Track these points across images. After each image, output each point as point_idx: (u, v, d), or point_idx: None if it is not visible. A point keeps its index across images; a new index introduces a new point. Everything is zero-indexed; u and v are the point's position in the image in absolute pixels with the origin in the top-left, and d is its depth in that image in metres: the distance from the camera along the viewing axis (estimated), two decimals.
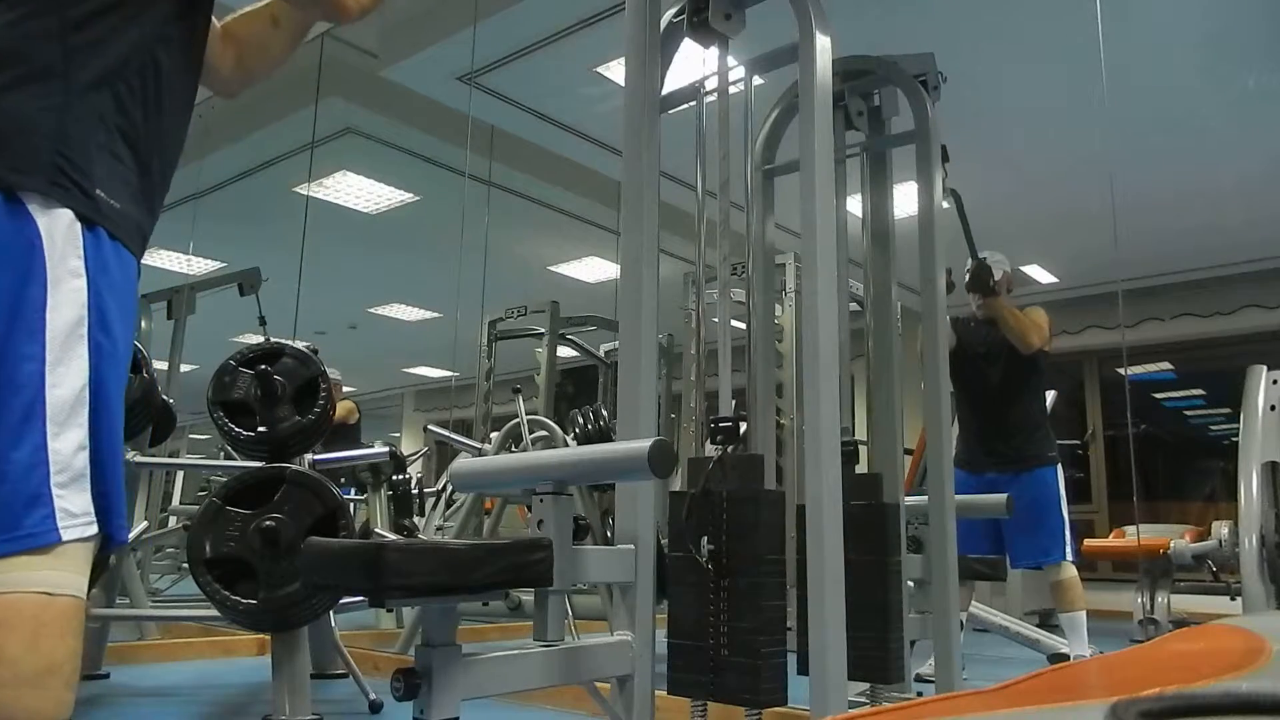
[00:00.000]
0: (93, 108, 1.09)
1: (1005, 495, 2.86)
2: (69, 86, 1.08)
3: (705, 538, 1.70)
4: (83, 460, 1.03)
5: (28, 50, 1.07)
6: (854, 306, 2.56)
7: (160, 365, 5.20)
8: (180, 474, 6.46)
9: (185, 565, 3.97)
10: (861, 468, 2.32)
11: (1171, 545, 4.75)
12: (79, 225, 1.05)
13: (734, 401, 1.86)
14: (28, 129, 1.05)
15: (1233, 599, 4.26)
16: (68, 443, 1.02)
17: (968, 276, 3.42)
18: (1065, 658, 3.47)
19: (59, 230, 1.04)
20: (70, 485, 1.02)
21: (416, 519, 4.27)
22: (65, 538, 1.01)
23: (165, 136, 1.20)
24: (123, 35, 1.12)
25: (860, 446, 2.40)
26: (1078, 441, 6.61)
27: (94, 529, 1.04)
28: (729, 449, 1.74)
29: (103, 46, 1.11)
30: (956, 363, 2.74)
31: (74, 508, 1.02)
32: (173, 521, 5.55)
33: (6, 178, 1.02)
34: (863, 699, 2.22)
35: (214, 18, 1.31)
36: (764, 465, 1.77)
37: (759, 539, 1.66)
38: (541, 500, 1.53)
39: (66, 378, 1.02)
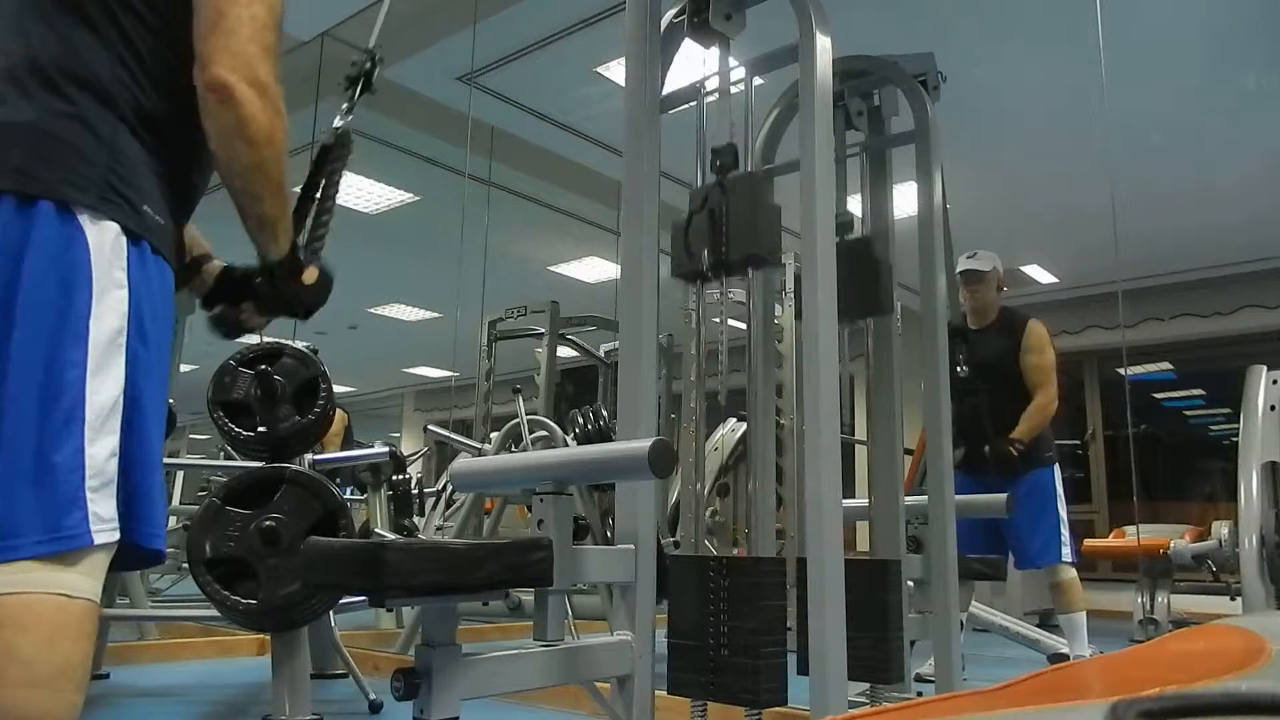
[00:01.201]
0: (140, 136, 1.15)
1: (1005, 495, 2.86)
2: (122, 112, 1.13)
3: (706, 250, 1.79)
4: (113, 467, 1.07)
5: (91, 75, 1.12)
6: None
7: None
8: (180, 474, 6.46)
9: (185, 565, 3.97)
10: (861, 469, 2.32)
11: (1171, 545, 4.75)
12: (124, 239, 1.10)
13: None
14: (83, 145, 1.10)
15: (1233, 599, 4.26)
16: (102, 448, 1.05)
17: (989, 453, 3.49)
18: (1065, 658, 3.47)
19: (106, 242, 1.08)
20: (101, 490, 1.05)
21: (416, 519, 4.27)
22: (96, 541, 1.04)
23: (194, 171, 1.27)
24: (171, 66, 1.17)
25: (859, 446, 2.40)
26: (1078, 441, 6.61)
27: (116, 535, 1.07)
28: (727, 173, 1.81)
29: (152, 74, 1.17)
30: (952, 365, 2.74)
31: (103, 512, 1.05)
32: (173, 521, 5.55)
33: (61, 190, 1.07)
34: (863, 699, 2.22)
35: None
36: (763, 184, 1.84)
37: (761, 242, 1.76)
38: (541, 500, 1.53)
39: (105, 385, 1.06)
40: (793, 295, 4.47)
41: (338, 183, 1.44)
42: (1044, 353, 3.58)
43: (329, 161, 1.43)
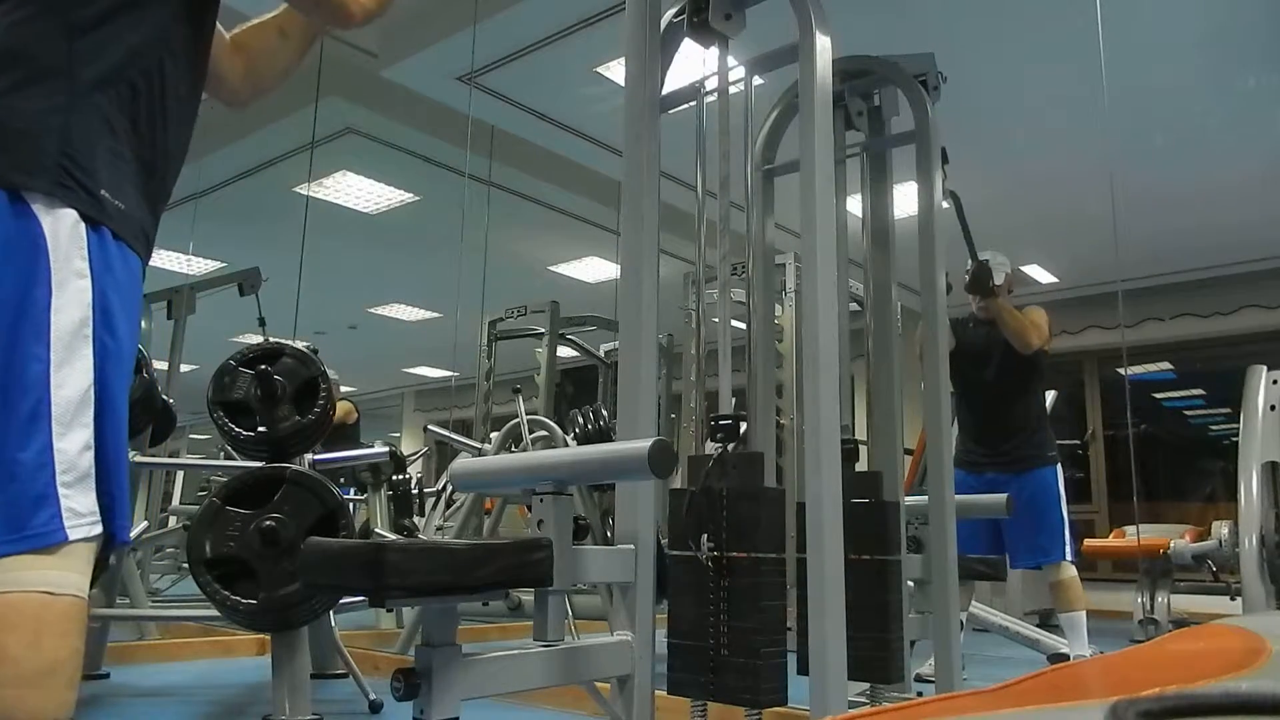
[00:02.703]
0: (96, 109, 1.09)
1: (1005, 495, 2.86)
2: (73, 87, 1.08)
3: (705, 535, 1.70)
4: (88, 460, 1.04)
5: (33, 50, 1.07)
6: (854, 306, 2.56)
7: (160, 365, 5.20)
8: (180, 474, 6.46)
9: (185, 565, 3.97)
10: (862, 467, 2.32)
11: (1171, 545, 4.75)
12: (83, 225, 1.06)
13: (734, 400, 1.86)
14: (32, 129, 1.05)
15: (1233, 599, 4.26)
16: (73, 443, 1.02)
17: (967, 278, 3.43)
18: (1065, 658, 3.47)
19: (63, 230, 1.04)
20: (76, 485, 1.03)
21: (416, 519, 4.27)
22: (72, 537, 1.02)
23: (168, 140, 1.20)
24: (127, 38, 1.12)
25: (860, 446, 2.40)
26: (1078, 441, 6.61)
27: (99, 529, 1.05)
28: (729, 446, 1.73)
29: (107, 49, 1.11)
30: (955, 363, 2.75)
31: (80, 507, 1.03)
32: (173, 521, 5.55)
33: (11, 178, 1.03)
34: (863, 699, 2.22)
35: (223, 29, 1.32)
36: (764, 463, 1.76)
37: (759, 536, 1.66)
38: (541, 500, 1.53)
39: (71, 378, 1.03)
40: (793, 295, 4.48)
41: None
42: (1041, 320, 3.58)
43: None
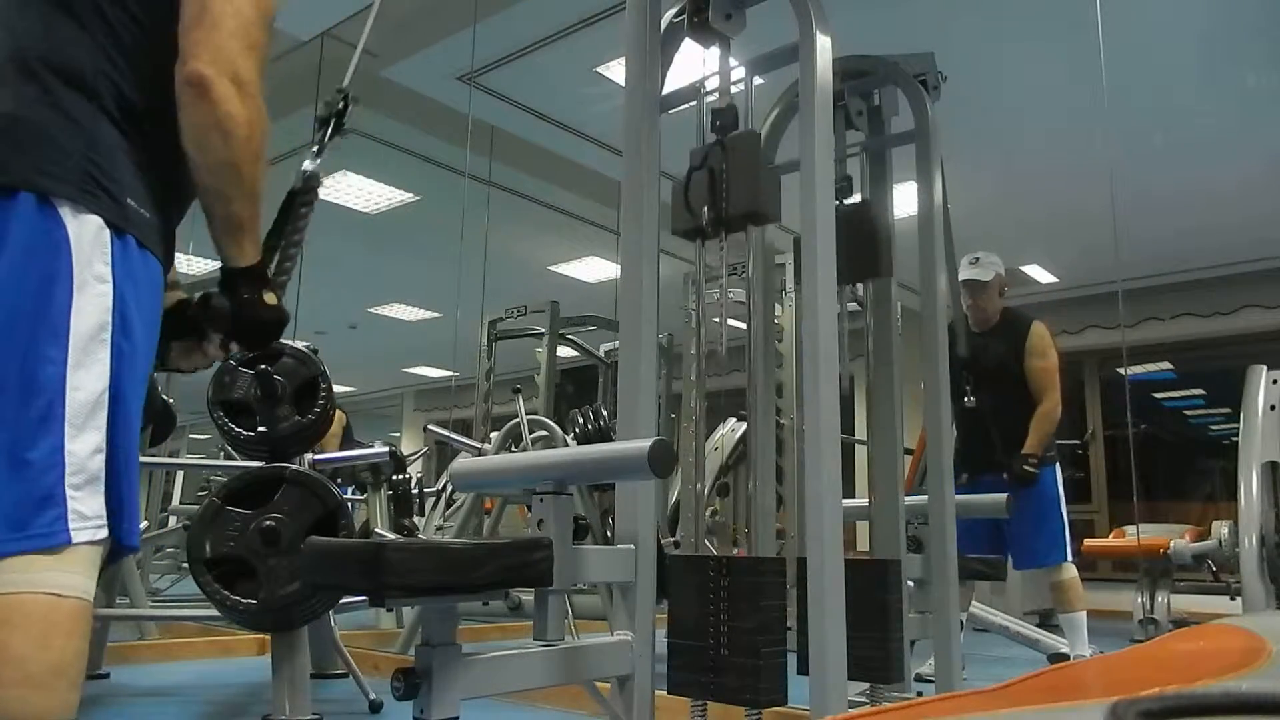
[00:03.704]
0: (122, 120, 1.12)
1: (1005, 495, 2.86)
2: (103, 101, 1.11)
3: (706, 206, 1.81)
4: (98, 463, 1.04)
5: (63, 60, 1.10)
6: (854, 306, 2.56)
7: None
8: (180, 474, 6.46)
9: (185, 565, 3.97)
10: (861, 469, 2.32)
11: (1171, 545, 4.75)
12: (108, 232, 1.07)
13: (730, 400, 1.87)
14: (61, 136, 1.07)
15: (1233, 599, 4.26)
16: (84, 445, 1.03)
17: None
18: (1065, 658, 3.47)
19: (87, 236, 1.05)
20: (84, 487, 1.03)
21: (416, 519, 4.27)
22: (75, 539, 1.02)
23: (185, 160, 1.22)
24: (156, 57, 1.14)
25: (860, 446, 2.40)
26: (1078, 441, 6.61)
27: (105, 532, 1.05)
28: (727, 134, 1.83)
29: (136, 65, 1.14)
30: (953, 366, 2.75)
31: (87, 510, 1.03)
32: (173, 521, 5.55)
33: (39, 182, 1.04)
34: (863, 699, 2.22)
35: None
36: (760, 142, 1.85)
37: (759, 207, 1.79)
38: (541, 500, 1.53)
39: (87, 381, 1.03)
40: (793, 295, 4.48)
41: (304, 227, 1.38)
42: (1047, 356, 3.58)
43: (297, 206, 1.37)
